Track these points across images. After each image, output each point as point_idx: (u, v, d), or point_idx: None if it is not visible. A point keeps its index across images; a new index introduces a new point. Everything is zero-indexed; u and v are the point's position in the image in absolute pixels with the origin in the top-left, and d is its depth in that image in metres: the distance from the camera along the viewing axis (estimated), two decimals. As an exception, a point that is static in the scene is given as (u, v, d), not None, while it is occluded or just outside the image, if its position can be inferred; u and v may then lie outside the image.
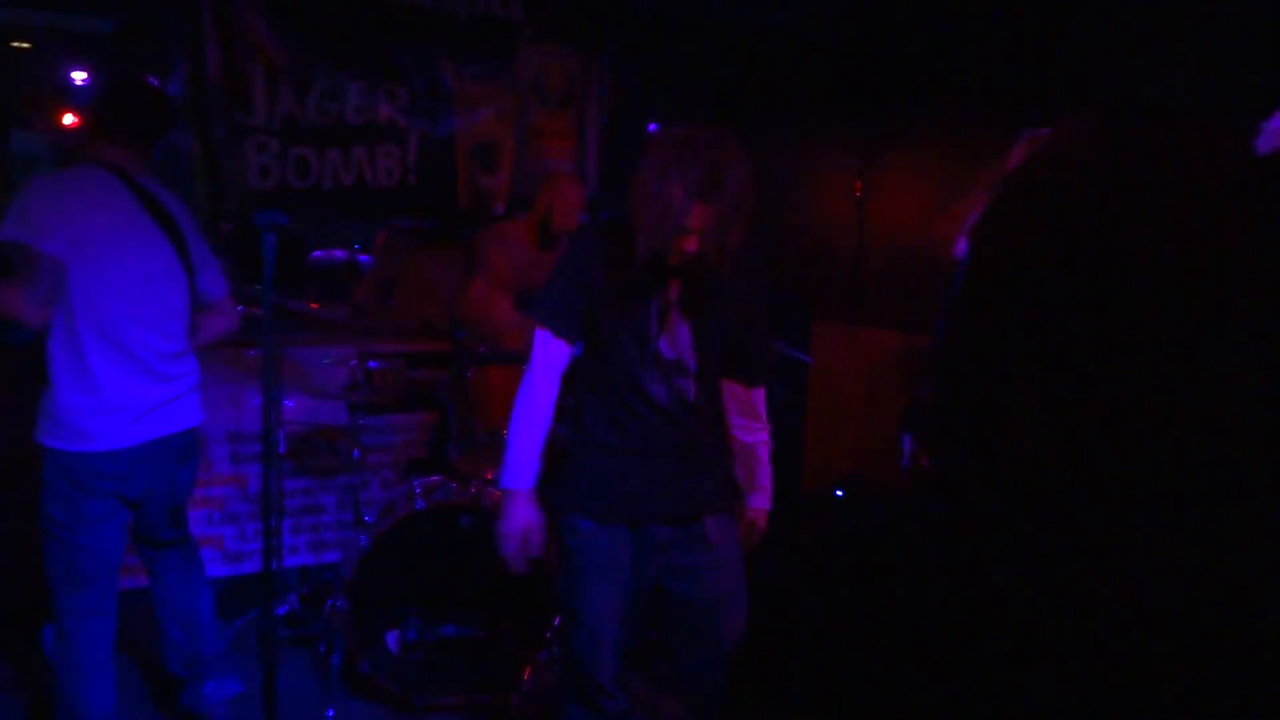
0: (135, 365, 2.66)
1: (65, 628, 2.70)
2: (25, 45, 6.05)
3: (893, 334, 5.16)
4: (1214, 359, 0.58)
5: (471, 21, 4.85)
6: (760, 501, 2.58)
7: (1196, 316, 0.59)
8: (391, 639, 3.33)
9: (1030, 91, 4.35)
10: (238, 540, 4.27)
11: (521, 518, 2.39)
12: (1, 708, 3.26)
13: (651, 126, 6.94)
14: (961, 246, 2.44)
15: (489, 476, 3.51)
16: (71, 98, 6.52)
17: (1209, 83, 3.71)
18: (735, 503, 2.54)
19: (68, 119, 6.70)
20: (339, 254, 5.45)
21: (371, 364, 3.82)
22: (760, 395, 2.57)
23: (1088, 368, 0.61)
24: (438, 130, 4.83)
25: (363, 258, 5.49)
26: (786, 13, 5.53)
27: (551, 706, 3.02)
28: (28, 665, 3.44)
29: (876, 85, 5.19)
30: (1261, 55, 3.55)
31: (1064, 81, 4.27)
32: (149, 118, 2.79)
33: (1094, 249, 0.61)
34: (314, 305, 3.92)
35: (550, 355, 2.36)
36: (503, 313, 3.93)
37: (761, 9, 5.49)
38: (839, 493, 5.44)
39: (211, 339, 2.96)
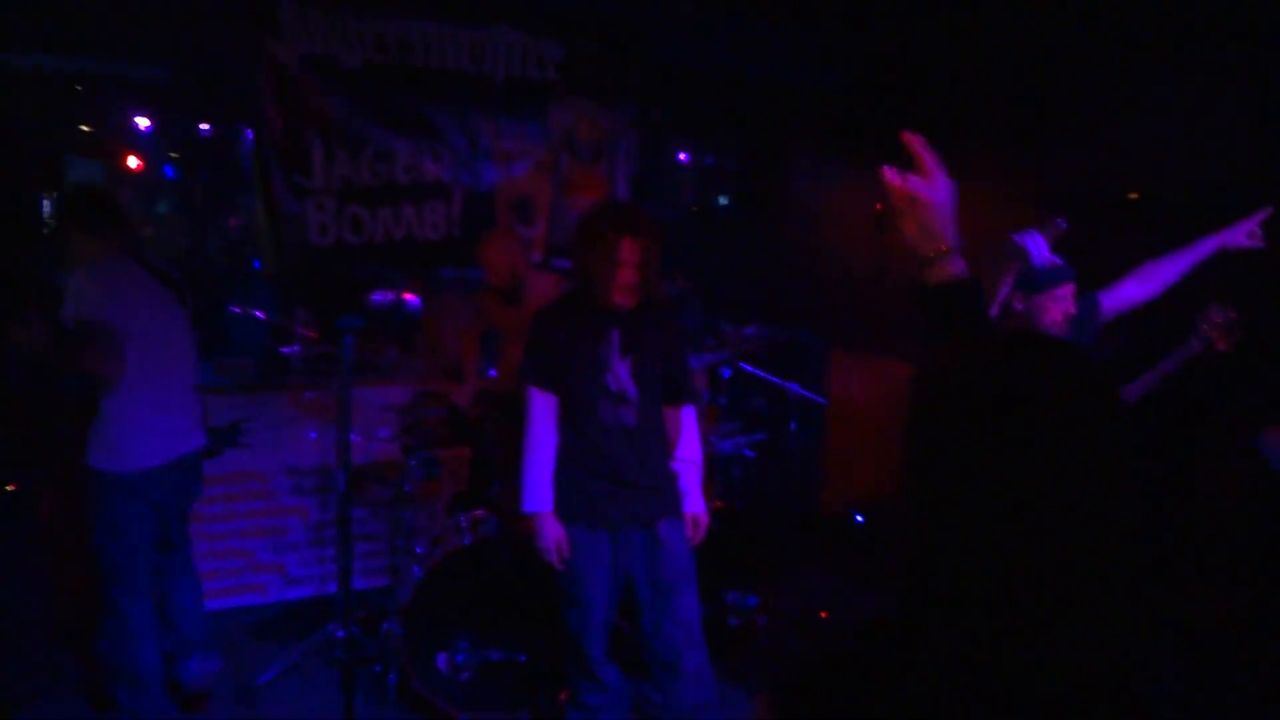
0: (170, 397, 3.32)
1: (118, 608, 3.29)
2: (80, 88, 6.46)
3: (908, 365, 5.45)
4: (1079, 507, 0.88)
5: (508, 83, 5.21)
6: (691, 506, 3.21)
7: (1068, 486, 0.88)
8: (441, 660, 3.68)
9: (1035, 123, 4.63)
10: (299, 566, 4.65)
11: (550, 533, 3.02)
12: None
13: (681, 156, 7.32)
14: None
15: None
16: (135, 140, 7.01)
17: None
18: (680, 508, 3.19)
19: (132, 161, 7.19)
20: (385, 296, 5.76)
21: (424, 408, 4.18)
22: (690, 413, 3.26)
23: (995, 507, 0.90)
24: (479, 185, 5.21)
25: (409, 298, 5.83)
26: (796, 61, 5.83)
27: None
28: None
29: (893, 121, 5.47)
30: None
31: (1063, 116, 4.56)
32: (119, 218, 3.36)
33: (990, 432, 0.90)
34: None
35: (541, 406, 3.05)
36: None
37: (775, 60, 5.80)
38: (859, 517, 5.75)
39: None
